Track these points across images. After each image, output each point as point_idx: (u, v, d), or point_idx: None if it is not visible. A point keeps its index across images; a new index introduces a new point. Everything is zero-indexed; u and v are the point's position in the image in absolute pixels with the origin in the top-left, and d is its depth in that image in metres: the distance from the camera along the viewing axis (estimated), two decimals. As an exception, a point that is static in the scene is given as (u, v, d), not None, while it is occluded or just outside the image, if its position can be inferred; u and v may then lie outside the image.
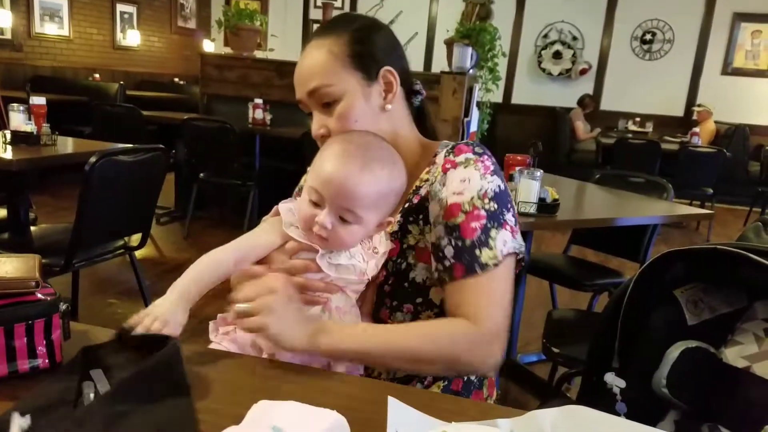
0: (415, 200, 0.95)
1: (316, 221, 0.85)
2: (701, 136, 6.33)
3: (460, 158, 0.92)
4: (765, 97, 7.26)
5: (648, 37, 7.53)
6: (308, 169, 0.93)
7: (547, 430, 0.58)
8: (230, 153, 4.01)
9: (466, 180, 0.89)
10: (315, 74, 0.91)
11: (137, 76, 7.56)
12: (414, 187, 0.96)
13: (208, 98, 4.82)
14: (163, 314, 0.79)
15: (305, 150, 3.44)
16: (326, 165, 0.85)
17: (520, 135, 7.17)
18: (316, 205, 0.86)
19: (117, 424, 0.53)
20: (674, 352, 0.95)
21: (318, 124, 0.94)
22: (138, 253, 2.65)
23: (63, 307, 0.71)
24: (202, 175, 4.18)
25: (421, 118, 1.06)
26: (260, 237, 0.91)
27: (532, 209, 1.88)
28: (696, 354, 0.85)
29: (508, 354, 2.46)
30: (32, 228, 2.52)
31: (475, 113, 4.44)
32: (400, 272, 0.94)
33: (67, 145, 2.76)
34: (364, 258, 0.91)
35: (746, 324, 0.84)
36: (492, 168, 0.91)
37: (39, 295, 0.70)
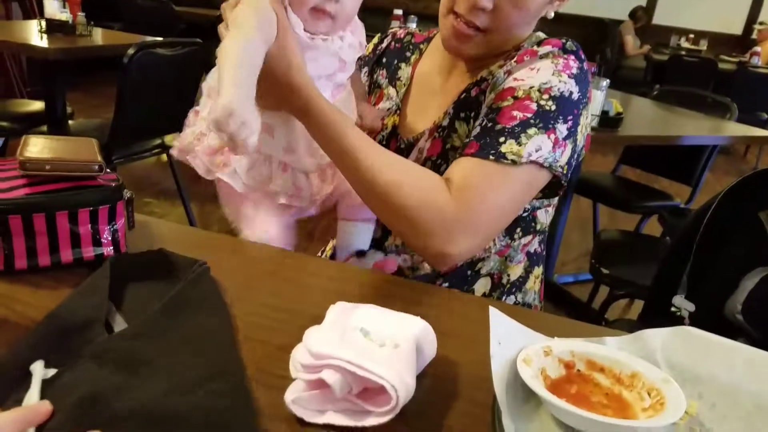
0: (474, 92, 0.85)
1: None
2: (762, 57, 5.89)
3: (543, 49, 0.82)
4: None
5: (713, -57, 6.88)
6: None
7: (657, 350, 0.55)
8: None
9: (535, 69, 0.79)
10: None
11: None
12: (478, 78, 0.86)
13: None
14: (240, 115, 0.59)
15: None
16: None
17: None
18: None
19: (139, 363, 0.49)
20: (753, 278, 0.91)
21: None
22: (176, 153, 2.63)
23: (127, 194, 0.66)
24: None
25: None
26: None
27: (594, 122, 1.76)
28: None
29: (546, 274, 2.43)
30: (70, 122, 2.49)
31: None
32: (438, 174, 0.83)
33: (101, 37, 2.66)
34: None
35: None
36: (575, 72, 0.79)
37: (101, 181, 0.65)
